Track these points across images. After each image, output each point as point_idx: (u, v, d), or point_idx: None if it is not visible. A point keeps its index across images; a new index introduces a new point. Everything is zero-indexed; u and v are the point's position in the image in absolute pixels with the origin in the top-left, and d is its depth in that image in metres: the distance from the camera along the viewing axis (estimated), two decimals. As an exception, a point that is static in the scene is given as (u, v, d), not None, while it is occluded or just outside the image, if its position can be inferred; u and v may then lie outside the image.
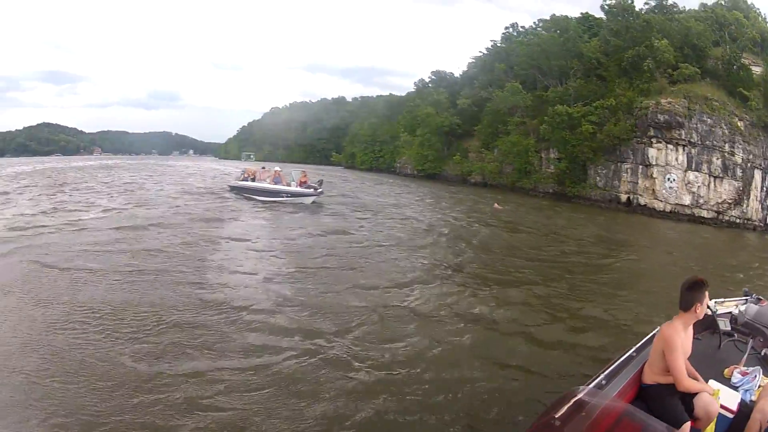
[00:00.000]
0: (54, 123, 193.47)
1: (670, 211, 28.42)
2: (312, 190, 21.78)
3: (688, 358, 3.39)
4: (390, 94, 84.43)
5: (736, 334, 4.43)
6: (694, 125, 28.13)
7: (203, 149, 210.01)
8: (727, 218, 27.27)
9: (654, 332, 3.79)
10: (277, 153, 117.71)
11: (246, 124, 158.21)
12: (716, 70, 31.14)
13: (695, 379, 3.37)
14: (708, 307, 3.42)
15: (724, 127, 27.77)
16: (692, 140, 28.09)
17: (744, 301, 5.11)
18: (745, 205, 27.30)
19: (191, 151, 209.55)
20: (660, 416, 2.86)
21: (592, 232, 19.32)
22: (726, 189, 27.40)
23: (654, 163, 29.41)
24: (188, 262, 9.79)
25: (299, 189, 22.03)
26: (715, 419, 3.27)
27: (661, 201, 28.96)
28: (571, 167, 34.57)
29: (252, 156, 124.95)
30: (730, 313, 4.77)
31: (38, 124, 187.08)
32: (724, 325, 4.43)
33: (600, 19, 42.28)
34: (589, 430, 2.36)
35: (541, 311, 8.24)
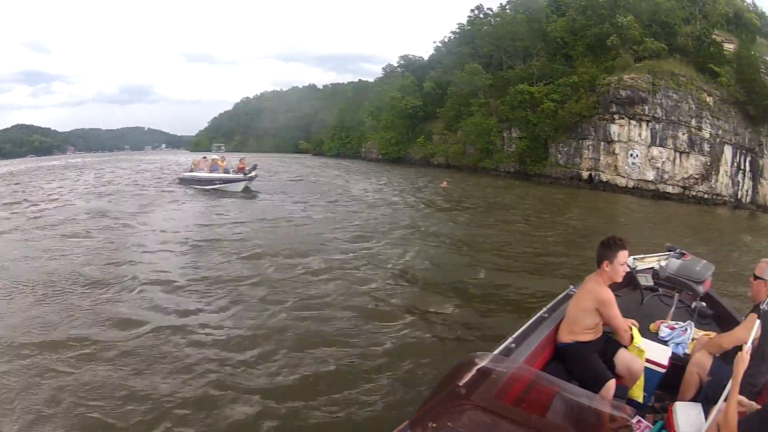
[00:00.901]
0: (28, 124, 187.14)
1: (633, 187, 27.86)
2: (242, 175, 22.15)
3: None
4: (359, 80, 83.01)
5: (660, 289, 4.44)
6: (659, 100, 27.23)
7: (176, 143, 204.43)
8: (693, 193, 26.77)
9: (566, 292, 3.82)
10: (247, 143, 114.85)
11: (217, 116, 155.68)
12: (686, 46, 30.15)
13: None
14: (627, 264, 3.27)
15: (691, 103, 26.92)
16: (656, 116, 27.20)
17: (666, 256, 5.02)
18: (713, 180, 26.72)
19: (164, 146, 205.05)
20: (580, 375, 2.96)
21: (537, 207, 19.48)
22: (693, 164, 26.77)
23: (616, 139, 28.59)
24: (96, 250, 10.00)
25: (230, 176, 22.52)
26: (643, 375, 3.16)
27: (624, 177, 28.37)
28: (532, 146, 33.98)
29: (222, 147, 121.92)
30: (652, 268, 4.72)
31: (12, 126, 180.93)
32: (646, 280, 4.43)
33: (569, -2, 41.10)
34: (499, 397, 2.14)
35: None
